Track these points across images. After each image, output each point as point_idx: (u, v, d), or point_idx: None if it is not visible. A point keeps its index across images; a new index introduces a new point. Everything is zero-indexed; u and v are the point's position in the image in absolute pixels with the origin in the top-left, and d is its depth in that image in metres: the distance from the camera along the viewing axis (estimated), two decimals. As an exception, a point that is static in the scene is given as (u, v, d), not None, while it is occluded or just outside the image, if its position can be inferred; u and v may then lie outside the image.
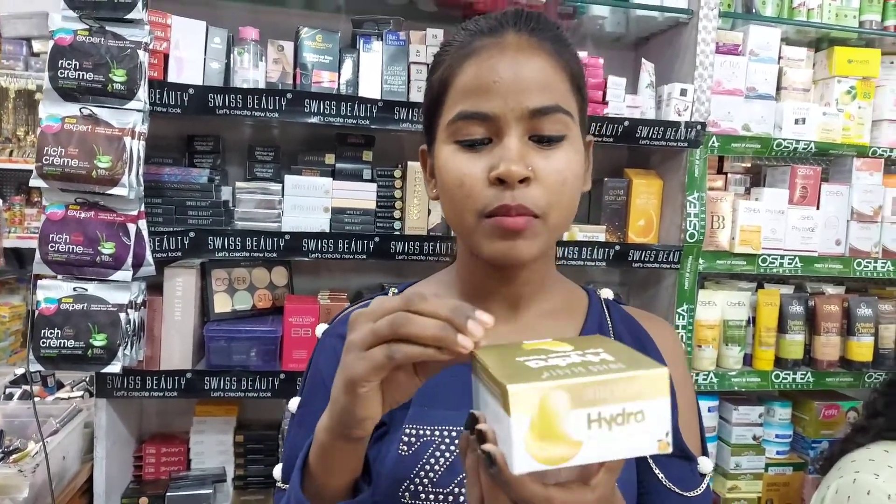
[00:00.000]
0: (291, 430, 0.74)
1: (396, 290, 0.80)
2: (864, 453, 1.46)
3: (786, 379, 1.71)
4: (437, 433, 0.67)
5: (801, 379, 1.72)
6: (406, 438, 0.66)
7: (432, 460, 0.66)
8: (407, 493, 0.65)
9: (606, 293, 0.82)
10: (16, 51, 3.04)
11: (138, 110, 1.28)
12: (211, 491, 1.52)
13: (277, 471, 0.74)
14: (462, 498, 0.65)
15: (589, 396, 0.42)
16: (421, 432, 0.67)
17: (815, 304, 1.76)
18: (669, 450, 0.44)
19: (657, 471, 0.70)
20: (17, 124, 3.05)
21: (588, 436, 0.42)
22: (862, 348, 1.76)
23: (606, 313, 0.78)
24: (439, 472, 0.65)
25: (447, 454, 0.66)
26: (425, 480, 0.65)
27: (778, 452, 1.79)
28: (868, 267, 1.75)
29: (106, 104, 1.26)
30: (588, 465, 0.45)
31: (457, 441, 0.66)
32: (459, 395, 0.61)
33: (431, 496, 0.65)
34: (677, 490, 0.70)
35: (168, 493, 1.49)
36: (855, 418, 1.81)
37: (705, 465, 0.73)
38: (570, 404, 0.42)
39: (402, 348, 0.49)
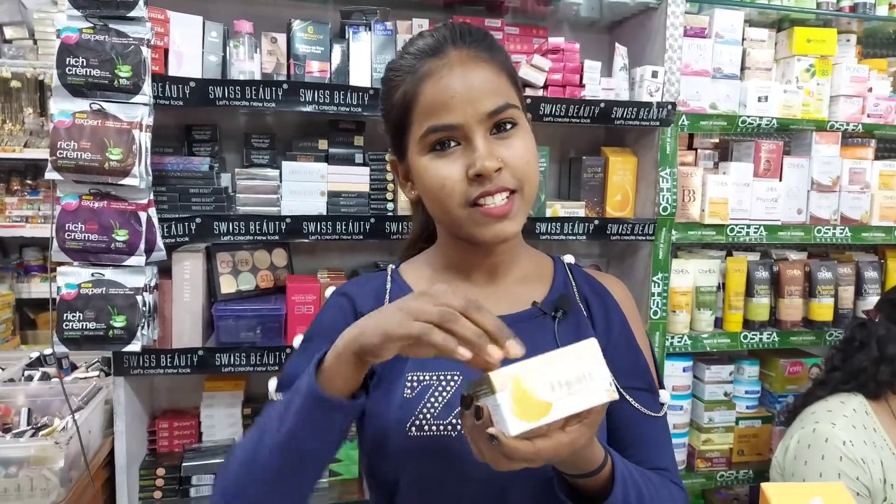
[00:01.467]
0: (293, 356, 0.86)
1: (393, 267, 0.93)
2: (822, 405, 1.59)
3: (753, 339, 1.85)
4: (434, 378, 0.81)
5: (768, 339, 1.86)
6: (409, 384, 0.80)
7: (432, 399, 0.79)
8: (413, 427, 0.78)
9: (569, 258, 0.97)
10: (-13, 38, 3.02)
11: (144, 104, 1.35)
12: (223, 460, 1.61)
13: (273, 383, 0.86)
14: (458, 426, 0.78)
15: (545, 370, 0.59)
16: (422, 377, 0.80)
17: (780, 269, 1.89)
18: (615, 395, 0.60)
19: (630, 400, 0.85)
20: (-8, 113, 3.06)
21: (555, 397, 0.58)
22: (823, 309, 1.90)
23: (570, 275, 0.93)
24: (439, 409, 0.79)
25: (444, 394, 0.80)
26: (428, 416, 0.79)
27: (747, 407, 1.93)
28: (828, 234, 1.88)
29: (113, 99, 1.33)
30: (567, 418, 0.60)
31: (451, 383, 0.80)
32: None
33: (434, 427, 0.78)
34: (648, 412, 0.85)
35: (184, 463, 1.58)
36: (816, 374, 1.95)
37: (664, 396, 0.90)
38: (535, 378, 0.58)
39: (436, 335, 0.59)
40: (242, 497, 0.71)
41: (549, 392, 0.58)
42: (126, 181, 1.32)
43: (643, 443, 0.85)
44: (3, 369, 1.67)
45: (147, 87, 1.35)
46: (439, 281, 0.89)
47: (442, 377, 0.81)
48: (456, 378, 0.80)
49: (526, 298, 0.88)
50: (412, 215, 1.01)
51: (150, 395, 1.72)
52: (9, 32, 3.12)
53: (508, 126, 0.79)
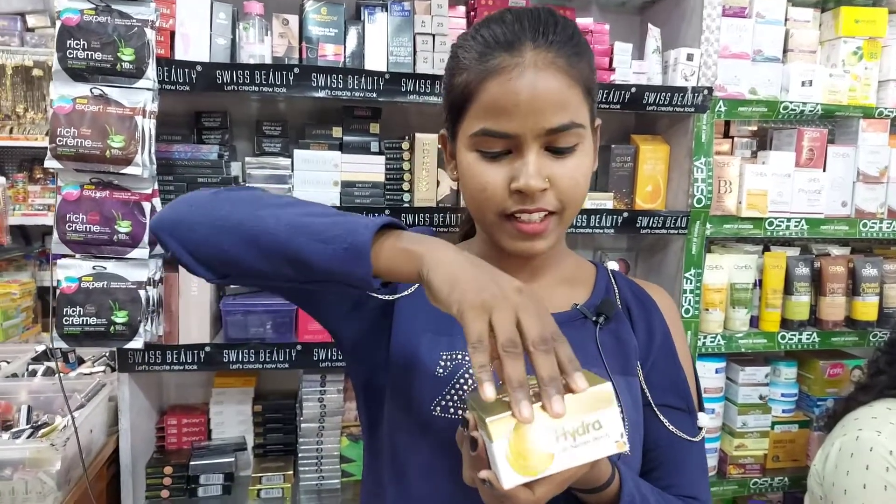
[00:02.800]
0: None
1: None
2: (866, 411, 1.49)
3: (791, 339, 1.74)
4: (468, 358, 0.76)
5: (807, 339, 1.75)
6: (443, 363, 0.76)
7: (461, 380, 0.75)
8: (438, 408, 0.74)
9: (612, 265, 0.91)
10: (10, 27, 3.00)
11: (148, 89, 1.28)
12: (232, 459, 1.57)
13: None
14: None
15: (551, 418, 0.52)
16: (456, 357, 0.76)
17: (821, 265, 1.78)
18: (626, 448, 0.56)
19: (664, 419, 0.79)
20: (15, 101, 3.04)
21: (558, 448, 0.52)
22: (867, 308, 1.79)
23: (613, 281, 0.87)
24: (467, 391, 0.75)
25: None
26: (455, 398, 0.74)
27: (784, 411, 1.83)
28: (874, 228, 1.76)
29: (116, 84, 1.27)
30: None
31: None
32: None
33: (459, 412, 0.74)
34: (683, 434, 0.79)
35: (192, 462, 1.53)
36: (859, 377, 1.84)
37: (703, 419, 0.83)
38: (539, 427, 0.52)
39: (479, 355, 0.53)
40: (212, 236, 0.67)
41: (553, 443, 0.52)
42: (128, 170, 1.26)
43: (674, 467, 0.79)
44: (7, 363, 1.63)
45: (151, 71, 1.29)
46: None
47: None
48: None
49: (566, 300, 0.82)
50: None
51: (158, 390, 1.67)
52: (31, 21, 3.09)
53: (566, 145, 0.72)
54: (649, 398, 0.79)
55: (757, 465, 1.79)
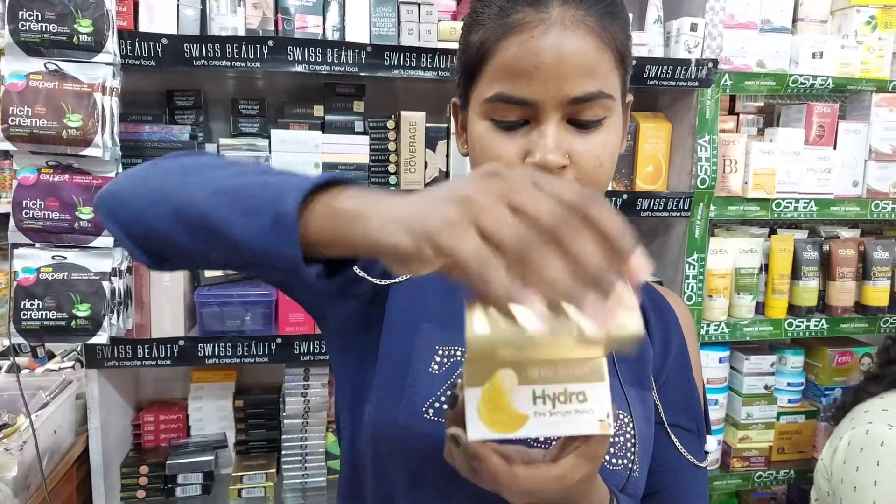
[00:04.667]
0: None
1: None
2: (877, 403, 1.43)
3: (799, 327, 1.66)
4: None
5: (815, 326, 1.67)
6: (438, 359, 0.67)
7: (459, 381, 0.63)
8: (431, 410, 0.64)
9: None
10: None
11: (108, 63, 1.19)
12: (212, 457, 1.49)
13: None
14: None
15: (534, 375, 0.46)
16: (452, 352, 0.67)
17: (831, 248, 1.69)
18: (611, 430, 0.46)
19: (675, 440, 0.71)
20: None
21: (533, 410, 0.46)
22: (878, 293, 1.70)
23: None
24: None
25: None
26: None
27: (790, 401, 1.75)
28: (886, 208, 1.67)
29: (73, 58, 1.17)
30: (561, 446, 0.48)
31: None
32: None
33: None
34: (693, 461, 0.72)
35: (168, 461, 1.46)
36: (869, 364, 1.77)
37: (710, 443, 0.75)
38: (517, 380, 0.46)
39: (496, 279, 0.36)
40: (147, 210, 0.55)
41: (530, 404, 0.46)
42: (88, 151, 1.16)
43: (676, 491, 0.71)
44: (-29, 359, 1.55)
45: (112, 44, 1.19)
46: None
47: None
48: None
49: None
50: None
51: (134, 385, 1.59)
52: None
53: (592, 118, 0.61)
54: (662, 416, 0.70)
55: (762, 457, 1.72)
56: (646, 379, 0.69)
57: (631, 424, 0.64)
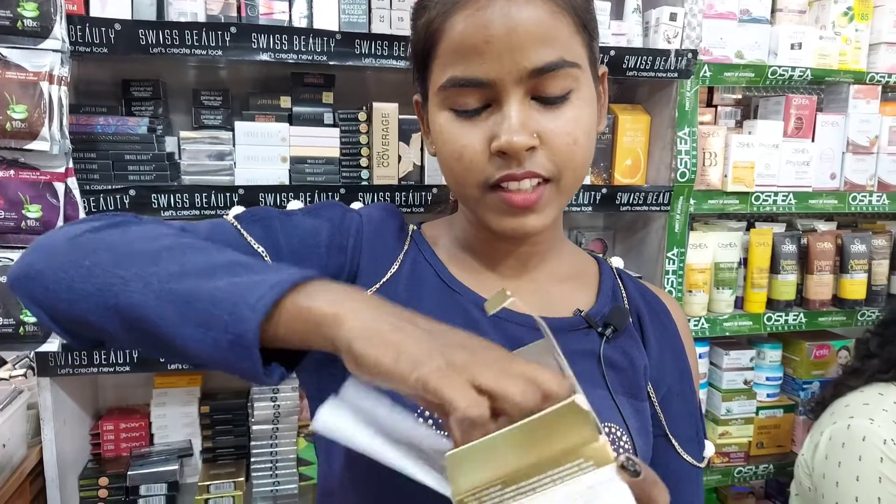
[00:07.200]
0: (274, 212, 0.68)
1: (415, 228, 0.72)
2: (857, 397, 1.41)
3: (778, 321, 1.64)
4: None
5: (794, 320, 1.66)
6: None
7: None
8: (422, 416, 0.59)
9: (617, 262, 0.76)
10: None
11: (56, 50, 1.10)
12: (177, 466, 1.42)
13: (235, 211, 0.68)
14: None
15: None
16: None
17: (809, 241, 1.68)
18: None
19: (678, 447, 0.68)
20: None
21: None
22: (855, 286, 1.70)
23: (619, 282, 0.72)
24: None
25: None
26: (429, 420, 0.58)
27: (768, 395, 1.74)
28: (864, 201, 1.66)
29: (17, 44, 1.09)
30: None
31: None
32: None
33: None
34: (692, 461, 0.70)
35: (130, 472, 1.38)
36: (846, 357, 1.77)
37: (708, 448, 0.73)
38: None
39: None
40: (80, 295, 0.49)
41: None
42: (34, 145, 1.08)
43: (680, 499, 0.66)
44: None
45: (59, 29, 1.11)
46: (461, 262, 0.68)
47: None
48: None
49: (566, 303, 0.67)
50: None
51: (93, 392, 1.51)
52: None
53: (558, 92, 0.57)
54: (665, 427, 0.67)
55: (741, 452, 1.71)
56: (639, 390, 0.65)
57: (625, 437, 0.60)
